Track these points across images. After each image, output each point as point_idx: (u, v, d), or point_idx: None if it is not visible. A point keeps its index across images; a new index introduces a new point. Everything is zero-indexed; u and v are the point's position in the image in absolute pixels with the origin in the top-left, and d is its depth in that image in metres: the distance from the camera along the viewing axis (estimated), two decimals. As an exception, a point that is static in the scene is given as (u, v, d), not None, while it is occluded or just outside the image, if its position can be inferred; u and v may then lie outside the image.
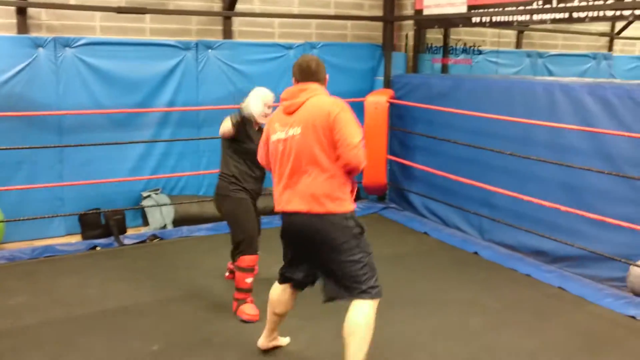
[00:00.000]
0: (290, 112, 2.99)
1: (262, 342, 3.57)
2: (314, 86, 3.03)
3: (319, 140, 2.89)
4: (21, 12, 5.48)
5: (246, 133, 4.01)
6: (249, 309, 4.01)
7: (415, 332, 3.91)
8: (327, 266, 3.03)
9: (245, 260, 4.00)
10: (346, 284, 2.99)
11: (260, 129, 4.02)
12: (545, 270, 5.03)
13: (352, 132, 2.91)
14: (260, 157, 3.28)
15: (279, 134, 3.02)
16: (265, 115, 3.99)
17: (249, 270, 4.02)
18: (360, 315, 2.96)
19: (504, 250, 5.54)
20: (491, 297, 4.51)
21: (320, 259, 3.04)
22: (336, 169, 2.93)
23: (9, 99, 5.34)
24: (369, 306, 2.99)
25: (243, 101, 4.05)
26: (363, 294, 2.98)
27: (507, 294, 4.57)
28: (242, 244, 4.01)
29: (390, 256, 5.27)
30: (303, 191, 2.92)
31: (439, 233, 6.04)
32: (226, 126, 3.96)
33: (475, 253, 5.47)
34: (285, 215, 3.03)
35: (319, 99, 2.98)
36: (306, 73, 3.04)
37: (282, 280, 3.31)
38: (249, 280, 4.02)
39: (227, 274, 4.70)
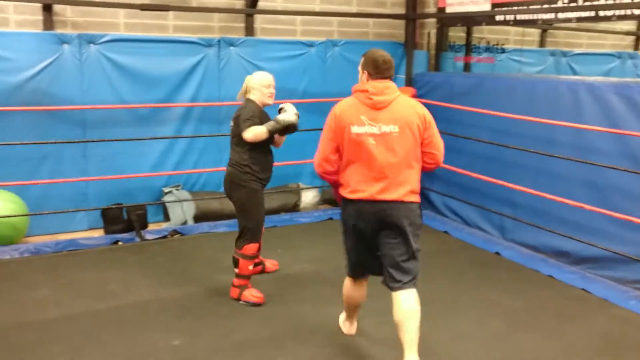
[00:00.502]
0: (379, 108, 3.12)
1: (350, 328, 3.72)
2: (392, 84, 3.20)
3: (414, 138, 3.14)
4: (47, 8, 5.55)
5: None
6: (255, 292, 4.23)
7: (435, 333, 3.87)
8: (391, 250, 3.20)
9: (251, 248, 4.19)
10: (400, 270, 3.21)
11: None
12: (569, 271, 4.97)
13: (438, 135, 3.26)
14: (329, 144, 3.22)
15: (368, 127, 3.12)
16: (271, 95, 4.25)
17: (253, 257, 4.23)
18: (414, 303, 3.20)
19: (526, 250, 5.48)
20: (513, 298, 4.46)
21: (386, 244, 3.21)
22: (419, 165, 3.23)
23: (35, 94, 5.41)
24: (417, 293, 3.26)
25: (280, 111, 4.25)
26: (414, 280, 3.27)
27: (529, 296, 4.53)
28: (249, 233, 4.17)
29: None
30: (398, 183, 3.13)
31: (459, 232, 6.00)
32: (261, 135, 4.03)
33: (497, 253, 5.42)
34: (375, 204, 3.14)
35: (405, 100, 3.21)
36: (384, 69, 3.17)
37: (358, 275, 3.45)
38: (251, 267, 4.25)
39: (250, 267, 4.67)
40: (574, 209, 4.93)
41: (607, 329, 4.01)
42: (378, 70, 3.16)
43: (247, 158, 4.11)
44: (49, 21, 5.58)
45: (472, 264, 5.19)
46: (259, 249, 4.47)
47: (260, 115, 4.15)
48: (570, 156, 5.02)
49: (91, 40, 5.62)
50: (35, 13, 5.56)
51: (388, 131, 3.11)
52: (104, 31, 5.80)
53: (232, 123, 4.20)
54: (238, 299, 4.23)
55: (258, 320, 4.00)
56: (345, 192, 3.22)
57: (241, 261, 4.19)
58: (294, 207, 6.60)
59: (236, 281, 4.26)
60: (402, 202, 3.14)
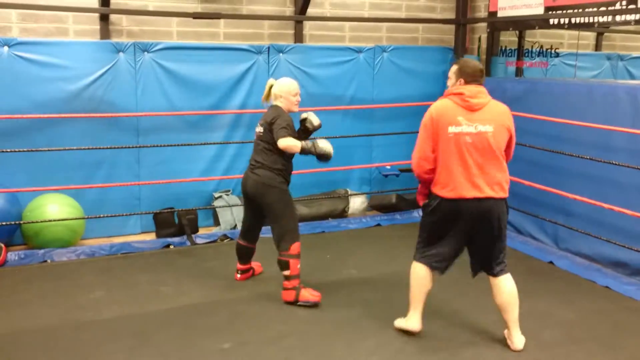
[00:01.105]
0: (474, 110, 3.44)
1: (419, 325, 3.80)
2: (485, 89, 3.54)
3: (504, 138, 3.48)
4: (104, 18, 5.73)
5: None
6: (312, 291, 4.28)
7: (489, 343, 3.80)
8: (490, 244, 3.56)
9: (296, 246, 4.22)
10: (498, 259, 3.60)
11: None
12: (626, 282, 4.80)
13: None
14: (426, 143, 3.49)
15: (465, 127, 3.41)
16: (297, 103, 4.35)
17: (298, 256, 4.24)
18: (513, 284, 3.64)
19: (581, 260, 5.32)
20: (567, 309, 4.33)
21: (486, 237, 3.54)
22: (505, 162, 3.54)
23: (91, 101, 5.59)
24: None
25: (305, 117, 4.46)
26: (505, 266, 3.64)
27: (584, 307, 4.38)
28: (291, 232, 4.22)
29: (461, 264, 5.14)
30: (493, 180, 3.43)
31: (511, 241, 5.82)
32: (293, 149, 4.13)
33: (551, 263, 5.28)
34: (472, 201, 3.42)
35: (496, 103, 3.55)
36: (477, 76, 3.52)
37: (443, 268, 3.71)
38: (299, 266, 4.26)
39: (238, 275, 4.76)
40: (632, 218, 4.76)
41: (669, 343, 3.85)
42: (474, 77, 3.50)
43: (280, 161, 4.22)
44: (105, 30, 5.76)
45: (526, 273, 5.05)
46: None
47: (293, 125, 4.26)
48: (628, 163, 4.85)
49: (145, 48, 5.76)
50: (92, 23, 5.75)
51: (484, 131, 3.41)
52: (157, 39, 5.94)
53: (261, 128, 4.25)
54: (295, 301, 4.24)
55: (307, 325, 4.00)
56: (442, 191, 3.47)
57: (291, 262, 4.20)
58: (342, 213, 6.60)
59: (288, 283, 4.26)
60: (497, 198, 3.45)
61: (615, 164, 4.93)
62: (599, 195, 5.07)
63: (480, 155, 3.41)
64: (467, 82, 3.49)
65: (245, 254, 4.70)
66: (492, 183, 3.43)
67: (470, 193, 3.41)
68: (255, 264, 4.91)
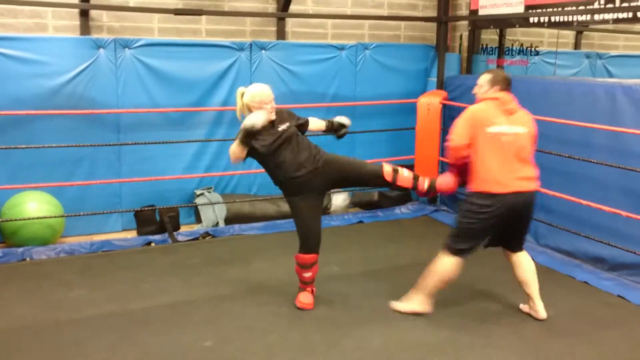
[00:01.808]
0: (511, 113, 3.84)
1: (430, 308, 4.10)
2: (514, 97, 3.94)
3: (532, 140, 3.91)
4: (84, 14, 5.67)
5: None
6: (303, 298, 4.24)
7: (468, 338, 3.84)
8: (522, 230, 4.05)
9: (301, 258, 4.20)
10: (523, 240, 4.13)
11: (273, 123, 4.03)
12: (604, 277, 4.87)
13: None
14: (466, 135, 3.81)
15: (504, 127, 3.80)
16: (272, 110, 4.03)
17: (306, 266, 4.21)
18: (530, 259, 4.16)
19: (560, 256, 5.38)
20: (546, 304, 4.35)
21: (520, 225, 4.01)
22: None
23: (71, 98, 5.53)
24: None
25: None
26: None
27: (563, 302, 4.44)
28: (300, 241, 4.20)
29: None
30: (528, 175, 3.84)
31: (491, 237, 5.91)
32: (236, 151, 4.02)
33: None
34: (518, 195, 3.79)
35: (524, 111, 3.96)
36: (508, 84, 3.92)
37: (467, 257, 4.00)
38: (308, 274, 4.25)
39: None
40: (610, 214, 4.83)
41: (646, 337, 3.92)
42: (507, 86, 3.91)
43: (272, 168, 4.06)
44: (85, 26, 5.70)
45: (505, 269, 5.08)
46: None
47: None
48: (607, 160, 4.92)
49: (126, 44, 5.71)
50: (72, 18, 5.69)
51: (520, 132, 3.82)
52: (138, 36, 5.90)
53: (286, 124, 4.04)
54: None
55: (289, 322, 4.01)
56: (487, 187, 3.77)
57: (295, 266, 4.21)
58: (325, 211, 6.61)
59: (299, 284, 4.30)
60: (533, 191, 3.88)
61: (594, 162, 4.99)
62: (578, 192, 5.14)
63: (517, 154, 3.79)
64: (501, 90, 3.88)
65: None
66: (530, 178, 3.85)
67: (515, 187, 3.77)
68: None
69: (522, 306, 4.23)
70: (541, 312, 4.07)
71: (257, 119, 3.80)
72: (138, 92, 5.82)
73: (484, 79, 3.97)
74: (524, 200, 3.83)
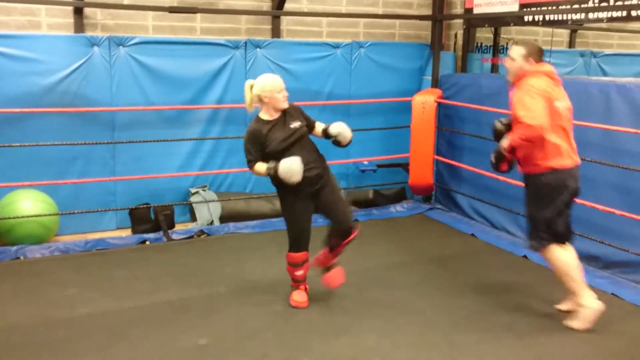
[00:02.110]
0: (558, 85, 3.79)
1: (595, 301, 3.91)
2: None
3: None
4: (78, 12, 5.65)
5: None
6: (297, 297, 4.22)
7: (463, 336, 3.85)
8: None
9: (290, 256, 4.20)
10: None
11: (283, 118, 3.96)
12: (598, 276, 4.88)
13: None
14: (545, 110, 3.64)
15: (565, 102, 3.78)
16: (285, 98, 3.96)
17: (297, 265, 4.21)
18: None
19: (554, 254, 5.39)
20: (541, 302, 4.40)
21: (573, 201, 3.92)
22: None
23: (65, 95, 5.52)
24: None
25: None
26: None
27: (558, 300, 4.45)
28: (289, 240, 4.18)
29: (436, 257, 5.21)
30: (576, 148, 3.85)
31: (486, 235, 5.94)
32: (259, 174, 3.97)
33: (525, 257, 5.35)
34: (575, 169, 3.79)
35: None
36: (542, 54, 3.81)
37: (568, 237, 3.96)
38: (300, 272, 4.24)
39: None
40: (604, 213, 4.85)
41: (638, 334, 3.93)
42: (542, 56, 3.79)
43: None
44: (79, 24, 5.68)
45: (499, 267, 5.13)
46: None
47: (258, 141, 3.89)
48: (601, 159, 4.94)
49: (120, 42, 5.70)
50: (66, 16, 5.67)
51: (569, 105, 3.80)
52: (133, 34, 5.88)
53: (298, 123, 3.94)
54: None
55: (283, 320, 4.01)
56: (558, 162, 3.70)
57: (287, 265, 4.20)
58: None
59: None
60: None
61: (588, 161, 5.00)
62: (572, 190, 5.15)
63: (571, 126, 3.82)
64: (537, 62, 3.76)
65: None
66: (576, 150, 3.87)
67: (578, 161, 3.81)
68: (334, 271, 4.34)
69: (558, 306, 4.14)
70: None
71: (294, 172, 3.75)
72: (132, 90, 5.80)
73: (517, 52, 3.78)
74: (578, 173, 3.82)
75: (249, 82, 3.97)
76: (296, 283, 4.24)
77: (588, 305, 3.87)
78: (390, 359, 3.54)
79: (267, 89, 3.88)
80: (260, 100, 3.91)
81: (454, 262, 5.25)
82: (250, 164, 3.92)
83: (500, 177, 5.75)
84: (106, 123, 5.74)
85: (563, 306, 4.14)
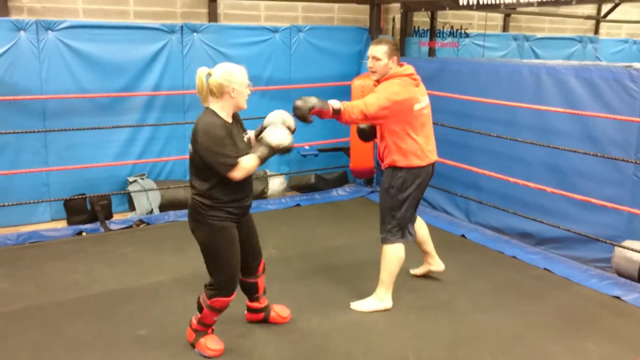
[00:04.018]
0: (416, 86, 3.83)
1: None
2: None
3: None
4: (2, -6, 5.38)
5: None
6: (212, 344, 3.42)
7: (400, 314, 3.93)
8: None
9: (219, 302, 3.38)
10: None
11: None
12: (531, 252, 5.07)
13: None
14: (384, 109, 3.68)
15: (423, 103, 3.84)
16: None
17: (222, 310, 3.43)
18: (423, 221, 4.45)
19: (491, 232, 5.57)
20: (478, 279, 4.54)
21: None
22: None
23: (-9, 83, 5.27)
24: None
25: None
26: None
27: (494, 276, 4.61)
28: (218, 283, 3.35)
29: (377, 239, 5.27)
30: (434, 147, 4.01)
31: (426, 216, 5.96)
32: (253, 169, 3.15)
33: (463, 236, 5.50)
34: (428, 167, 3.91)
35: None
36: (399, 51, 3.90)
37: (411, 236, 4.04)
38: (216, 318, 3.49)
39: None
40: (536, 191, 5.03)
41: (569, 306, 4.11)
42: (399, 54, 3.89)
43: (209, 186, 3.13)
44: (4, 7, 5.40)
45: (438, 246, 5.20)
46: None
47: (229, 135, 3.11)
48: (533, 138, 5.11)
49: (49, 26, 5.47)
50: (-11, -1, 5.39)
51: (428, 103, 3.91)
52: (62, 17, 5.65)
53: (190, 144, 3.15)
54: (193, 345, 3.45)
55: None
56: (413, 161, 3.80)
57: (206, 311, 3.35)
58: (261, 194, 6.58)
59: (194, 324, 3.44)
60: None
61: (520, 141, 5.17)
62: (506, 170, 5.32)
63: (430, 125, 3.94)
64: (399, 62, 3.84)
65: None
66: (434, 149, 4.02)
67: (433, 158, 3.96)
68: (279, 309, 3.80)
69: (415, 271, 4.50)
70: (440, 264, 4.42)
71: (285, 138, 3.16)
72: (63, 76, 5.59)
73: (381, 51, 3.73)
74: (434, 170, 4.01)
75: (204, 70, 3.10)
76: (207, 328, 3.46)
77: (383, 300, 3.96)
78: (346, 339, 3.58)
79: (236, 81, 3.08)
80: (220, 92, 3.07)
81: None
82: (234, 165, 3.05)
83: (439, 159, 5.85)
84: (36, 111, 5.51)
85: (418, 271, 4.51)
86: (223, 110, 3.13)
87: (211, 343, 3.40)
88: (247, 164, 3.09)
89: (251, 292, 3.67)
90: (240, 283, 3.53)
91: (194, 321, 3.45)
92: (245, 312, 3.78)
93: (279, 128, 3.20)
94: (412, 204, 3.93)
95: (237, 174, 3.08)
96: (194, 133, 3.09)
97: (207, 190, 3.14)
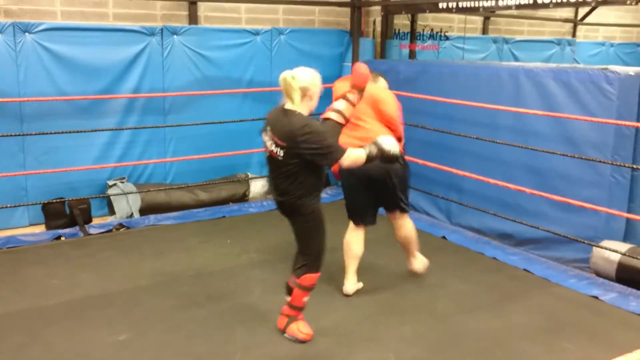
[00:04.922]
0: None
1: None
2: None
3: None
4: (-23, -4, 5.31)
5: None
6: (304, 328, 3.61)
7: (383, 317, 3.94)
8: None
9: (311, 278, 3.57)
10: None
11: None
12: (511, 252, 5.12)
13: None
14: None
15: None
16: None
17: (312, 289, 3.62)
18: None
19: (471, 234, 5.61)
20: (458, 280, 4.57)
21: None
22: None
23: (-33, 86, 5.18)
24: None
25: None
26: None
27: (474, 277, 4.64)
28: (309, 259, 3.56)
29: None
30: None
31: (407, 218, 6.07)
32: (358, 160, 3.40)
33: (443, 237, 5.53)
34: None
35: None
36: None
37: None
38: (306, 299, 3.63)
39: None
40: (516, 193, 5.07)
41: (548, 306, 4.16)
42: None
43: (307, 185, 3.38)
44: (-21, 9, 5.34)
45: (420, 249, 5.26)
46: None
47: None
48: (512, 140, 5.15)
49: (26, 29, 5.40)
50: (-36, 1, 5.32)
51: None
52: (39, 19, 5.58)
53: (279, 147, 3.29)
54: (284, 331, 3.62)
55: (207, 312, 3.96)
56: None
57: (296, 291, 3.53)
58: (243, 197, 6.56)
59: (286, 309, 3.62)
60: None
61: (499, 142, 5.21)
62: (486, 172, 5.36)
63: None
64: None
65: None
66: None
67: None
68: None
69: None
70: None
71: (395, 146, 3.45)
72: (41, 79, 5.52)
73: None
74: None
75: (288, 73, 3.30)
76: (299, 311, 3.61)
77: (347, 286, 4.24)
78: (329, 342, 3.58)
79: (317, 84, 3.37)
80: (303, 95, 3.30)
81: (376, 245, 5.33)
82: (341, 152, 3.29)
83: (420, 161, 5.90)
84: (13, 114, 5.44)
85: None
86: (302, 111, 3.35)
87: (303, 327, 3.60)
88: (354, 154, 3.35)
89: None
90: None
91: (285, 308, 3.61)
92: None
93: (391, 139, 3.47)
94: None
95: (346, 161, 3.32)
96: (290, 136, 3.23)
97: (300, 189, 3.36)
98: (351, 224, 4.38)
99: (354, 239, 4.32)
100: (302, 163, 3.29)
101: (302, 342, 3.55)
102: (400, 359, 3.44)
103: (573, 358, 3.52)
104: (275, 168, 3.39)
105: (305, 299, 3.56)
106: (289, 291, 3.58)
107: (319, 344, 3.58)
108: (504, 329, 3.81)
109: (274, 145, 3.33)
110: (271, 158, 3.40)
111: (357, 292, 4.27)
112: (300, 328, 3.58)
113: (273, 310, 3.92)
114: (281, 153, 3.29)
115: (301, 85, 3.28)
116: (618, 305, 4.14)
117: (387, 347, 3.56)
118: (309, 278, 3.50)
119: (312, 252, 3.51)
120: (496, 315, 3.99)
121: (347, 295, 4.20)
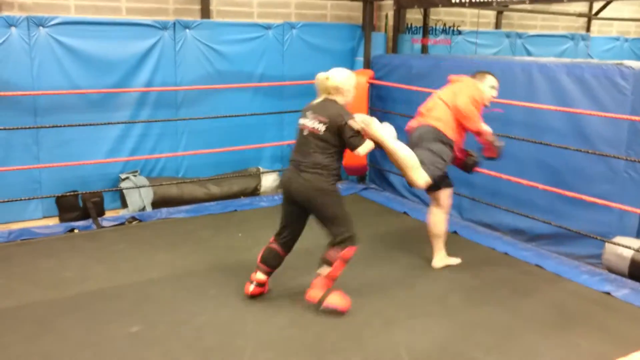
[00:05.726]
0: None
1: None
2: None
3: None
4: (-8, -10, 5.36)
5: None
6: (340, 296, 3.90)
7: (394, 310, 3.94)
8: None
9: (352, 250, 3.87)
10: None
11: None
12: (523, 248, 5.10)
13: None
14: None
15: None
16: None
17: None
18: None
19: (483, 229, 5.59)
20: (470, 275, 4.55)
21: None
22: None
23: (-18, 79, 5.23)
24: None
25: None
26: None
27: (486, 272, 4.63)
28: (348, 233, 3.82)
29: (371, 236, 5.29)
30: None
31: (418, 213, 6.07)
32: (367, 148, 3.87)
33: (455, 232, 5.51)
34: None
35: None
36: None
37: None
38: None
39: (251, 288, 4.03)
40: (528, 188, 5.05)
41: (559, 302, 4.14)
42: None
43: (335, 163, 3.80)
44: (-6, 3, 5.39)
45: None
46: None
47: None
48: (524, 135, 5.12)
49: (40, 23, 5.44)
50: (-21, -5, 5.37)
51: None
52: (53, 13, 5.62)
53: (321, 123, 3.69)
54: (319, 304, 3.82)
55: (218, 304, 3.98)
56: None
57: (338, 263, 3.76)
58: (254, 192, 6.58)
59: (321, 282, 3.83)
60: None
61: (512, 138, 5.18)
62: (498, 167, 5.32)
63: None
64: None
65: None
66: None
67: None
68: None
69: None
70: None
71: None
72: (55, 73, 5.56)
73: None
74: None
75: (324, 75, 3.81)
76: (333, 282, 3.86)
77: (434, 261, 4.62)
78: (338, 335, 3.59)
79: (350, 82, 3.81)
80: (336, 92, 3.77)
81: (389, 239, 5.36)
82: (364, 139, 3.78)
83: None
84: (27, 108, 5.48)
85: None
86: (340, 103, 3.80)
87: (342, 297, 3.86)
88: (368, 146, 3.81)
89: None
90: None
91: (322, 281, 3.81)
92: (254, 287, 3.99)
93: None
94: None
95: (362, 149, 3.76)
96: (333, 118, 3.66)
97: (331, 164, 3.76)
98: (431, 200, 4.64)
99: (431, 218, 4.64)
100: (338, 142, 3.71)
101: (341, 312, 3.80)
102: (410, 352, 3.44)
103: (584, 354, 3.50)
104: (312, 144, 3.72)
105: (340, 272, 3.82)
106: (328, 263, 3.78)
107: (329, 337, 3.59)
108: (515, 324, 3.80)
109: (315, 123, 3.70)
110: (308, 136, 3.73)
111: (367, 284, 4.27)
112: (340, 299, 3.84)
113: (286, 303, 3.94)
114: (322, 128, 3.68)
115: (334, 84, 3.74)
116: (630, 302, 4.11)
117: (398, 341, 3.56)
118: (350, 250, 3.76)
119: (345, 225, 3.77)
120: (507, 310, 3.98)
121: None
